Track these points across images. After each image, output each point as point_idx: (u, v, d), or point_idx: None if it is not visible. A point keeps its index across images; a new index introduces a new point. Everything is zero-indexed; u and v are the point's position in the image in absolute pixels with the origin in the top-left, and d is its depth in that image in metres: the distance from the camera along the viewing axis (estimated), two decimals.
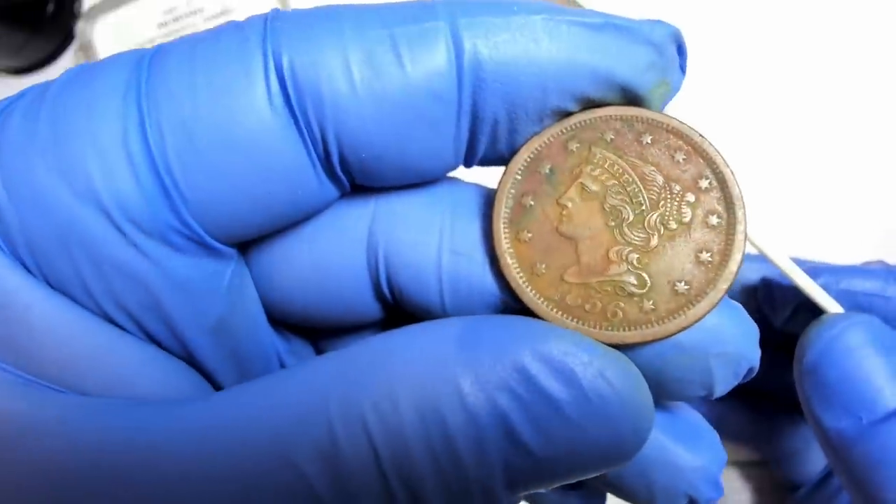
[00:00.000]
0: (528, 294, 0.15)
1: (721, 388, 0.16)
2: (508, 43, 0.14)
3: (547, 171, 0.15)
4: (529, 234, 0.15)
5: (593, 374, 0.13)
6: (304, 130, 0.14)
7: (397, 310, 0.17)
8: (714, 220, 0.15)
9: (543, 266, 0.15)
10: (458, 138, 0.15)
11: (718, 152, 0.15)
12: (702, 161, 0.15)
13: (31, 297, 0.14)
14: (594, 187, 0.15)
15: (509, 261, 0.15)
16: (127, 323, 0.15)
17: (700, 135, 0.15)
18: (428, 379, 0.13)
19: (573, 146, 0.15)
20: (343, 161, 0.15)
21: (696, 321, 0.14)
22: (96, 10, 0.44)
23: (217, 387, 0.17)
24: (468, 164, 0.16)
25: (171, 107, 0.13)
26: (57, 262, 0.14)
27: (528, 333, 0.13)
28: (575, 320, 0.15)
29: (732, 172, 0.15)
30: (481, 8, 0.14)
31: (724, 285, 0.14)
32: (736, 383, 0.16)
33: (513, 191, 0.15)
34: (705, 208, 0.15)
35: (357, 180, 0.15)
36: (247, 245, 0.16)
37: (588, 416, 0.13)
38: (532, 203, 0.15)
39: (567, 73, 0.14)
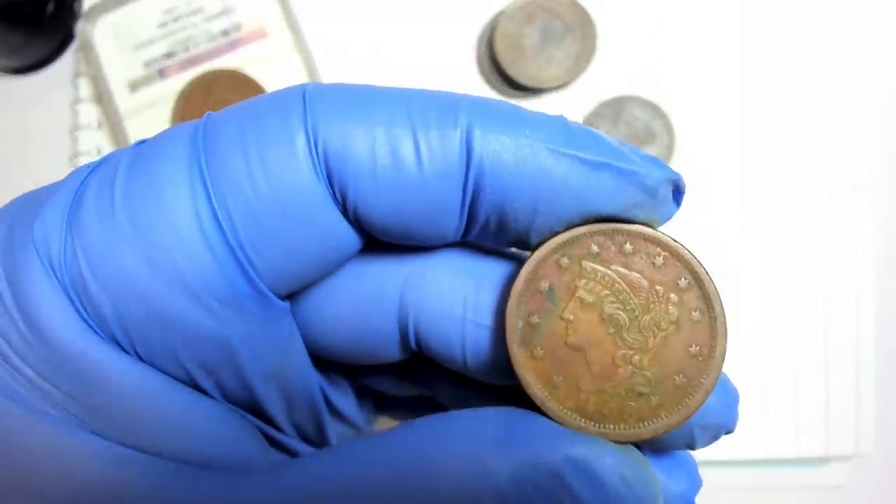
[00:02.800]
0: (553, 408, 0.16)
1: (700, 447, 0.19)
2: (510, 165, 0.16)
3: (546, 289, 0.16)
4: (542, 351, 0.16)
5: (616, 479, 0.15)
6: (336, 201, 0.16)
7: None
8: (696, 315, 0.16)
9: (560, 378, 0.16)
10: (458, 227, 0.17)
11: (692, 254, 0.16)
12: (678, 264, 0.16)
13: (124, 372, 0.15)
14: (590, 299, 0.16)
15: (529, 379, 0.16)
16: (208, 384, 0.17)
17: (673, 240, 0.16)
18: (470, 479, 0.15)
19: (564, 262, 0.16)
20: (362, 226, 0.17)
21: (697, 409, 0.16)
22: (96, 10, 0.44)
23: (272, 424, 0.19)
24: (466, 239, 0.18)
25: (233, 190, 0.15)
26: (150, 339, 0.15)
27: (560, 438, 0.15)
28: (596, 425, 0.16)
29: (706, 271, 0.16)
30: (498, 122, 0.16)
31: (714, 374, 0.16)
32: (713, 442, 0.19)
33: (520, 312, 0.17)
34: (688, 306, 0.16)
35: (376, 237, 0.17)
36: (292, 297, 0.18)
37: None
38: (538, 321, 0.16)
39: (557, 202, 0.16)
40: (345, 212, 0.16)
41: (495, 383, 0.18)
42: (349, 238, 0.17)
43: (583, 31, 0.44)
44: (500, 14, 0.45)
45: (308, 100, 0.16)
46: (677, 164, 0.45)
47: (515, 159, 0.16)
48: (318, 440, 0.21)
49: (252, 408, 0.18)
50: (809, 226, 0.44)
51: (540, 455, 0.15)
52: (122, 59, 0.44)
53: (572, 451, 0.15)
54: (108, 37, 0.44)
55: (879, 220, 0.44)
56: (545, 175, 0.16)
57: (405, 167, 0.15)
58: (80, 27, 0.45)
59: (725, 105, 0.45)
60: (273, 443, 0.20)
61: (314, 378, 0.20)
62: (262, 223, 0.15)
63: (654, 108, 0.45)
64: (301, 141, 0.15)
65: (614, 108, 0.45)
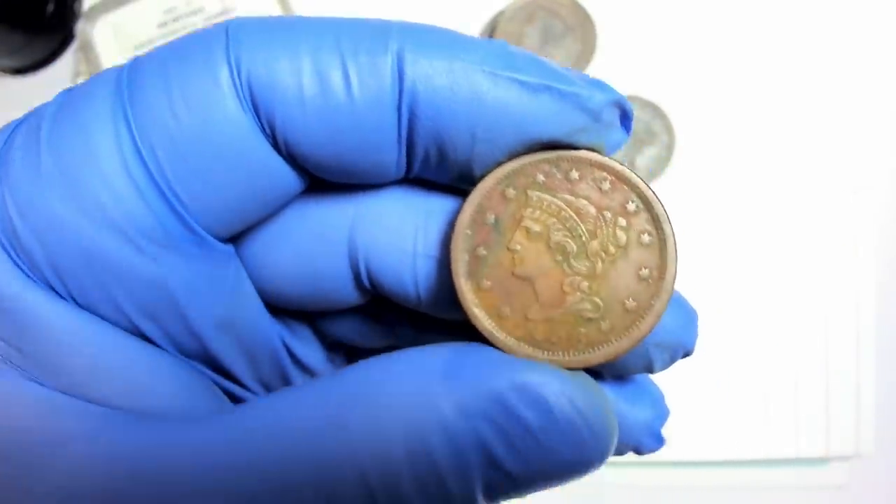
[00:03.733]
0: (500, 338, 0.16)
1: (659, 369, 0.18)
2: (444, 89, 0.15)
3: (492, 221, 0.16)
4: (489, 283, 0.16)
5: (564, 403, 0.15)
6: (266, 134, 0.16)
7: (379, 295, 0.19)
8: (646, 238, 0.16)
9: (508, 309, 0.16)
10: (398, 161, 0.16)
11: (640, 177, 0.16)
12: (626, 187, 0.16)
13: (59, 317, 0.15)
14: (537, 228, 0.16)
15: (476, 311, 0.16)
16: (154, 331, 0.16)
17: (620, 163, 0.16)
18: (416, 412, 0.15)
19: (510, 193, 0.16)
20: (297, 162, 0.16)
21: (648, 332, 0.16)
22: (96, 10, 0.44)
23: (234, 380, 0.19)
24: (410, 176, 0.17)
25: (156, 126, 0.15)
26: (84, 283, 0.15)
27: (506, 366, 0.15)
28: (545, 352, 0.16)
29: (655, 193, 0.16)
30: (430, 46, 0.15)
31: (665, 296, 0.16)
32: (672, 364, 0.18)
33: (466, 245, 0.16)
34: (637, 229, 0.16)
35: (316, 175, 0.17)
36: (236, 241, 0.18)
37: (559, 439, 0.15)
38: (485, 253, 0.16)
39: (496, 129, 0.15)
40: (276, 146, 0.16)
41: (449, 318, 0.18)
42: (286, 175, 0.16)
43: (583, 31, 0.44)
44: (500, 14, 0.45)
45: (231, 32, 0.15)
46: (677, 165, 0.45)
47: (449, 83, 0.15)
48: None
49: (209, 362, 0.18)
50: (810, 226, 0.44)
51: (485, 383, 0.15)
52: (122, 59, 0.44)
53: (518, 377, 0.15)
54: (108, 37, 0.45)
55: (880, 221, 0.44)
56: (481, 100, 0.15)
57: (334, 95, 0.15)
58: (80, 27, 0.45)
59: (725, 105, 0.45)
60: (239, 401, 0.19)
61: (273, 329, 0.19)
62: (188, 158, 0.15)
63: (654, 108, 0.45)
64: (224, 72, 0.15)
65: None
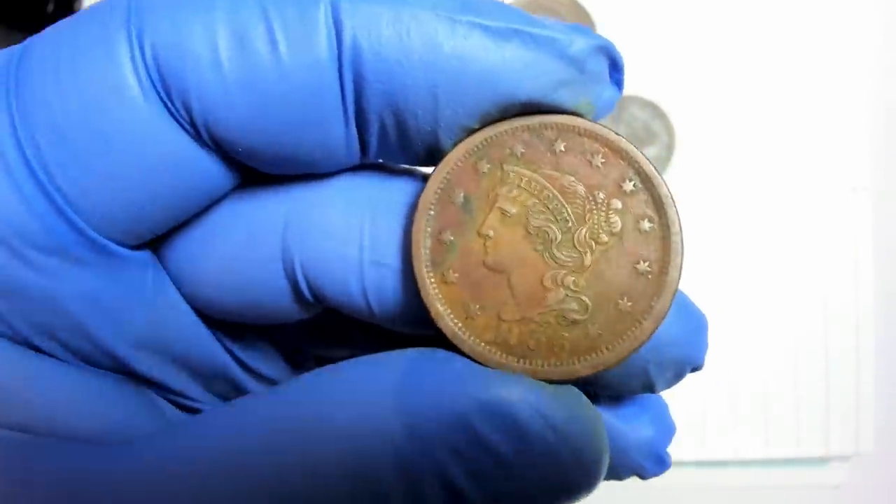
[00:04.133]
0: (467, 341, 0.14)
1: (662, 388, 0.15)
2: (392, 40, 0.12)
3: (461, 200, 0.14)
4: (456, 274, 0.14)
5: (540, 425, 0.12)
6: (179, 119, 0.13)
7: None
8: (646, 225, 0.13)
9: (477, 306, 0.14)
10: (349, 137, 0.13)
11: (639, 150, 0.14)
12: (622, 162, 0.13)
13: None
14: (514, 210, 0.14)
15: (440, 308, 0.14)
16: (54, 349, 0.14)
17: (615, 133, 0.14)
18: (363, 438, 0.12)
19: (483, 167, 0.14)
20: (224, 150, 0.14)
21: (646, 340, 0.13)
22: None
23: (170, 392, 0.16)
24: (367, 159, 0.15)
25: (40, 111, 0.13)
26: None
27: (472, 380, 0.13)
28: (521, 361, 0.14)
29: (657, 170, 0.13)
30: None
31: (668, 296, 0.13)
32: (679, 381, 0.15)
33: (429, 228, 0.14)
34: (635, 213, 0.13)
35: (251, 166, 0.14)
36: (157, 247, 0.16)
37: (535, 468, 0.12)
38: (452, 238, 0.14)
39: (459, 86, 0.13)
40: (197, 134, 0.13)
41: (412, 333, 0.15)
42: (205, 169, 0.14)
43: None
44: None
45: (134, 4, 0.13)
46: (677, 164, 0.45)
47: (397, 32, 0.12)
48: None
49: (129, 374, 0.15)
50: (809, 225, 0.44)
51: (444, 402, 0.12)
52: None
53: (486, 394, 0.12)
54: None
55: (879, 220, 0.44)
56: (438, 49, 0.12)
57: (258, 57, 0.12)
58: None
59: (725, 105, 0.45)
60: (189, 410, 0.17)
61: (212, 342, 0.17)
62: (76, 149, 0.13)
63: (654, 108, 0.45)
64: (122, 46, 0.12)
65: (614, 107, 0.45)
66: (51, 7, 0.46)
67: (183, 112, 0.13)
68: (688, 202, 0.45)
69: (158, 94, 0.13)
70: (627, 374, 0.15)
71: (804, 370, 0.44)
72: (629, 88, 0.45)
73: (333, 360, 0.19)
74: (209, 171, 0.14)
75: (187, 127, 0.13)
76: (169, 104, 0.13)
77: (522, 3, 0.44)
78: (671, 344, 0.14)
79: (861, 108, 0.44)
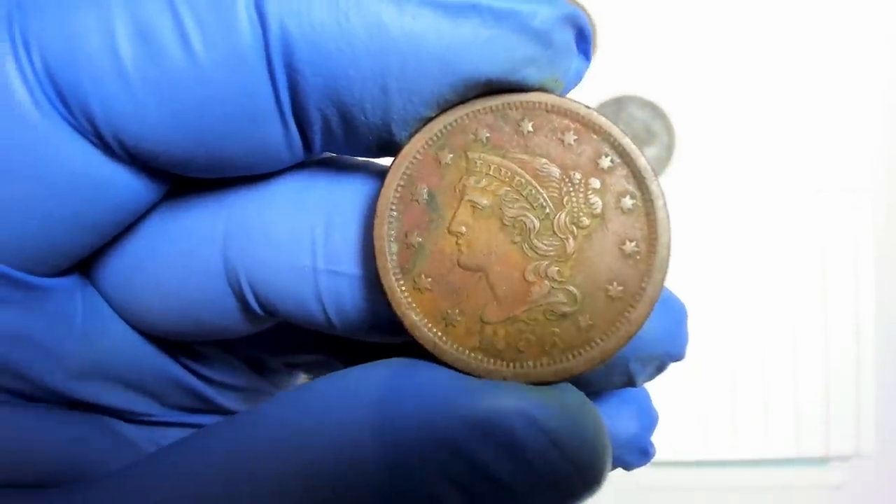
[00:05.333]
0: (449, 351, 0.12)
1: (643, 382, 0.14)
2: (328, 26, 0.11)
3: (425, 196, 0.12)
4: (429, 279, 0.12)
5: (539, 440, 0.11)
6: (83, 132, 0.11)
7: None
8: (628, 202, 0.12)
9: (457, 311, 0.12)
10: (289, 136, 0.12)
11: (612, 123, 0.13)
12: (596, 137, 0.12)
13: None
14: (485, 202, 0.12)
15: (415, 319, 0.12)
16: None
17: (586, 106, 0.12)
18: (343, 468, 0.11)
19: (446, 158, 0.12)
20: (141, 162, 0.12)
21: (641, 325, 0.12)
22: None
23: (123, 413, 0.15)
24: (313, 155, 0.13)
25: None
26: None
27: (458, 395, 0.11)
28: (511, 365, 0.12)
29: (633, 141, 0.12)
30: None
31: (659, 276, 0.12)
32: (659, 374, 0.14)
33: (392, 232, 0.12)
34: (615, 191, 0.12)
35: (179, 174, 0.13)
36: (88, 269, 0.14)
37: (536, 486, 0.11)
38: (420, 240, 0.12)
39: (412, 73, 0.11)
40: (106, 147, 0.11)
41: (380, 342, 0.14)
42: (121, 183, 0.12)
43: None
44: None
45: (15, 4, 0.11)
46: (677, 164, 0.45)
47: (334, 16, 0.11)
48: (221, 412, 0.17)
49: (87, 406, 0.14)
50: (809, 226, 0.44)
51: (430, 425, 0.11)
52: None
53: (474, 410, 0.11)
54: None
55: (879, 220, 0.44)
56: (384, 32, 0.11)
57: (167, 55, 0.11)
58: None
59: (725, 105, 0.45)
60: (154, 423, 0.16)
61: (162, 360, 0.15)
62: None
63: (654, 108, 0.45)
64: (8, 58, 0.11)
65: (614, 108, 0.45)
66: None
67: (86, 124, 0.11)
68: (688, 202, 0.45)
69: (55, 106, 0.11)
70: (609, 371, 0.14)
71: (804, 370, 0.44)
72: (629, 89, 0.45)
73: (300, 365, 0.18)
74: (128, 185, 0.12)
75: (94, 140, 0.11)
76: (69, 117, 0.11)
77: None
78: (652, 338, 0.13)
79: (862, 108, 0.44)
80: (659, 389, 0.45)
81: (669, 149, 0.45)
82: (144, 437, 0.15)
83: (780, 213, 0.44)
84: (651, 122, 0.44)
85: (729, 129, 0.45)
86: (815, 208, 0.44)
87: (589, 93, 0.45)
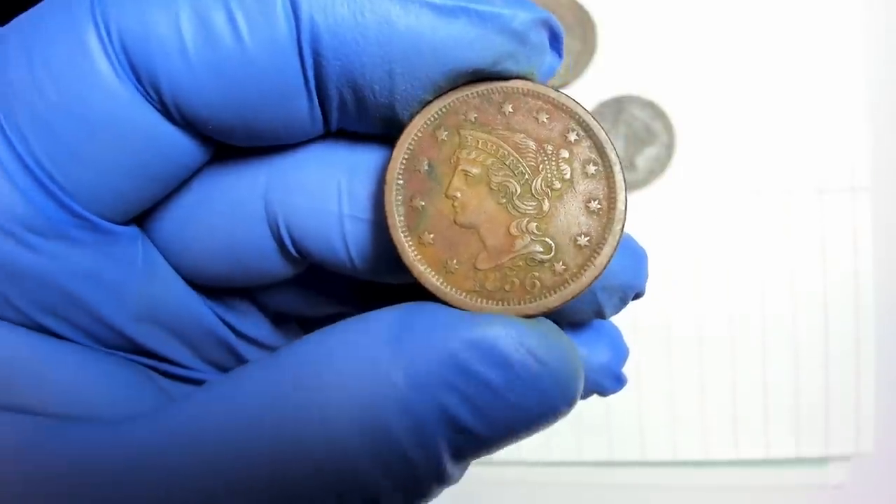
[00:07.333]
0: (450, 293, 0.15)
1: (610, 313, 0.17)
2: (347, 20, 0.13)
3: (426, 167, 0.15)
4: (431, 235, 0.15)
5: (523, 355, 0.14)
6: (151, 100, 0.14)
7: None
8: (592, 168, 0.15)
9: (454, 261, 0.15)
10: (312, 110, 0.15)
11: (577, 103, 0.15)
12: (564, 115, 0.15)
13: None
14: (475, 170, 0.15)
15: (421, 268, 0.15)
16: (60, 327, 0.15)
17: (555, 90, 0.15)
18: (366, 387, 0.13)
19: (442, 135, 0.15)
20: (195, 127, 0.14)
21: (605, 267, 0.15)
22: None
23: (174, 364, 0.17)
24: (331, 131, 0.16)
25: (20, 103, 0.13)
26: None
27: (458, 323, 0.14)
28: (499, 303, 0.15)
29: (595, 118, 0.15)
30: None
31: (618, 227, 0.15)
32: (624, 306, 0.17)
33: (399, 197, 0.15)
34: (581, 159, 0.15)
35: (222, 141, 0.15)
36: (144, 221, 0.17)
37: (523, 393, 0.14)
38: (423, 203, 0.15)
39: (413, 62, 0.14)
40: (167, 113, 0.14)
41: (392, 282, 0.17)
42: (181, 146, 0.15)
43: (583, 31, 0.44)
44: None
45: None
46: (677, 164, 0.45)
47: (352, 12, 0.13)
48: None
49: (139, 351, 0.16)
50: (810, 225, 0.44)
51: (437, 345, 0.14)
52: None
53: (472, 333, 0.14)
54: None
55: (879, 220, 0.44)
56: (391, 27, 0.13)
57: (221, 42, 0.13)
58: None
59: (725, 105, 0.45)
60: (190, 381, 0.18)
61: (203, 309, 0.18)
62: (60, 137, 0.13)
63: (654, 108, 0.45)
64: (90, 33, 0.13)
65: (614, 108, 0.45)
66: None
67: (153, 94, 0.14)
68: (688, 202, 0.45)
69: (129, 78, 0.14)
70: (581, 302, 0.16)
71: (804, 370, 0.44)
72: (629, 89, 0.45)
73: (315, 320, 0.21)
74: (184, 146, 0.15)
75: (158, 107, 0.14)
76: (140, 87, 0.14)
77: None
78: (616, 274, 0.16)
79: (861, 108, 0.44)
80: (659, 389, 0.45)
81: (669, 149, 0.45)
82: (179, 393, 0.18)
83: (780, 213, 0.44)
84: (651, 122, 0.45)
85: (729, 129, 0.45)
86: (815, 208, 0.44)
87: (589, 93, 0.45)
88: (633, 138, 0.45)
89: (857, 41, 0.44)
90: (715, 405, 0.44)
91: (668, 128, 0.45)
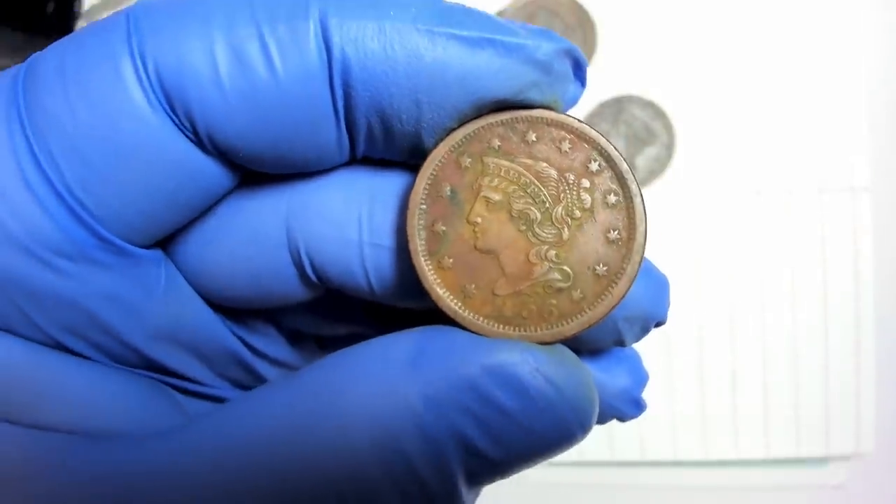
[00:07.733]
0: (468, 318, 0.15)
1: (631, 342, 0.17)
2: (377, 52, 0.14)
3: (448, 192, 0.15)
4: (451, 260, 0.15)
5: (539, 381, 0.14)
6: (184, 130, 0.14)
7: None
8: (612, 198, 0.15)
9: (473, 286, 0.15)
10: (340, 139, 0.15)
11: (600, 133, 0.15)
12: (586, 146, 0.15)
13: None
14: (497, 197, 0.15)
15: (440, 292, 0.15)
16: (78, 345, 0.15)
17: (578, 120, 0.15)
18: (383, 409, 0.14)
19: (466, 162, 0.15)
20: (226, 156, 0.15)
21: (622, 297, 0.15)
22: (96, 10, 0.44)
23: (187, 380, 0.18)
24: (356, 157, 0.16)
25: (54, 129, 0.14)
26: None
27: (476, 348, 0.14)
28: (516, 329, 0.15)
29: (616, 149, 0.15)
30: (356, 6, 0.14)
31: (636, 258, 0.15)
32: (645, 335, 0.18)
33: (422, 221, 0.15)
34: (602, 190, 0.15)
35: (250, 168, 0.15)
36: (167, 243, 0.17)
37: (538, 419, 0.14)
38: (444, 228, 0.15)
39: (440, 92, 0.14)
40: (199, 142, 0.14)
41: (409, 307, 0.17)
42: (209, 173, 0.15)
43: (583, 31, 0.44)
44: (501, 14, 0.45)
45: (132, 18, 0.14)
46: (677, 164, 0.45)
47: (382, 45, 0.14)
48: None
49: (158, 369, 0.17)
50: (809, 225, 0.44)
51: (455, 369, 0.14)
52: None
53: (489, 359, 0.14)
54: None
55: (879, 220, 0.44)
56: (419, 59, 0.14)
57: (255, 73, 0.14)
58: (79, 27, 0.45)
59: (725, 105, 0.45)
60: (204, 397, 0.18)
61: (222, 330, 0.18)
62: (91, 163, 0.14)
63: (653, 108, 0.45)
64: (126, 63, 0.13)
65: (614, 108, 0.45)
66: (51, 7, 0.46)
67: (187, 124, 0.14)
68: (688, 202, 0.45)
69: (163, 107, 0.14)
70: (602, 331, 0.17)
71: (804, 370, 0.44)
72: (629, 89, 0.45)
73: (332, 339, 0.21)
74: (213, 174, 0.15)
75: (191, 137, 0.14)
76: (173, 116, 0.14)
77: (522, 2, 0.44)
78: (637, 302, 0.17)
79: (861, 107, 0.44)
80: (659, 389, 0.45)
81: (669, 149, 0.45)
82: (195, 409, 0.18)
83: (781, 213, 0.44)
84: (651, 122, 0.45)
85: (729, 129, 0.45)
86: (816, 208, 0.44)
87: (589, 93, 0.45)
88: (633, 138, 0.45)
89: (857, 41, 0.44)
90: (715, 405, 0.44)
91: (668, 128, 0.45)
